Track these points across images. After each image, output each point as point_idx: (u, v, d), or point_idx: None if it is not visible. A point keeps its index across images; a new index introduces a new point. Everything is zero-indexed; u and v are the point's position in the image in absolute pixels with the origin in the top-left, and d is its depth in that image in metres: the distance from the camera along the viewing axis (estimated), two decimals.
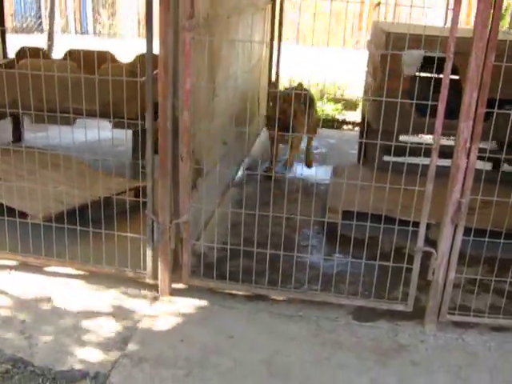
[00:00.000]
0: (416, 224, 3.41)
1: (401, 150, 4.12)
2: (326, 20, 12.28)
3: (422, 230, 3.24)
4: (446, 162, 3.41)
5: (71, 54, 5.82)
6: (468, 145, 3.03)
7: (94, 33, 12.87)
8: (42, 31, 12.45)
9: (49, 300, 3.47)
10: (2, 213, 3.82)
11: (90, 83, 4.48)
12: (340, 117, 7.75)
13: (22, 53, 5.69)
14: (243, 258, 3.64)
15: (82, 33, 12.69)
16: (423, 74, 4.90)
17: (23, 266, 3.75)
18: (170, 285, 3.49)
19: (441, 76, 3.67)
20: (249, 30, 4.95)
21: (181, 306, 3.45)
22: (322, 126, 6.87)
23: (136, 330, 3.23)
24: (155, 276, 3.51)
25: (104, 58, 5.70)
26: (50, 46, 8.44)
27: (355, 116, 7.85)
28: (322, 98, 7.97)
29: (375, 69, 5.25)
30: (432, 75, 3.76)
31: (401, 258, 3.37)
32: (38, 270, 3.74)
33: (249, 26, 4.90)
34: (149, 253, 3.45)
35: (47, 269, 3.75)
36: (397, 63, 4.90)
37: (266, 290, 3.45)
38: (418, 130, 4.96)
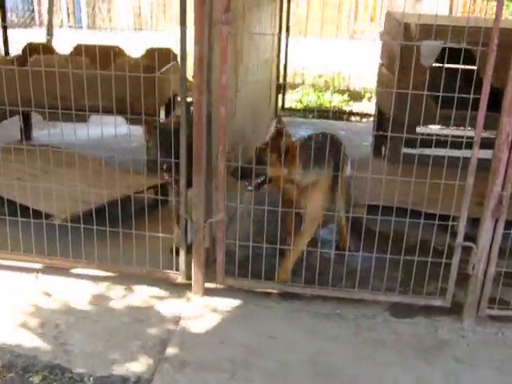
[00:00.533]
0: (441, 217, 3.40)
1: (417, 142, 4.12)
2: (319, 10, 12.20)
3: (462, 224, 3.20)
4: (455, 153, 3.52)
5: (79, 49, 5.69)
6: (510, 138, 2.98)
7: (88, 27, 12.68)
8: (34, 26, 12.25)
9: (79, 303, 3.38)
10: (27, 215, 3.71)
11: (105, 79, 4.35)
12: (346, 108, 7.68)
13: (30, 49, 5.55)
14: (271, 257, 3.58)
15: (76, 27, 12.49)
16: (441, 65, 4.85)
17: (50, 269, 3.66)
18: (203, 285, 3.42)
19: (457, 67, 3.69)
20: (265, 22, 4.87)
21: (216, 306, 3.39)
22: (330, 118, 6.82)
23: (174, 333, 3.16)
24: (188, 276, 3.44)
25: (113, 52, 5.58)
26: (49, 40, 8.28)
27: (361, 107, 7.79)
28: (328, 89, 7.93)
29: (391, 60, 5.20)
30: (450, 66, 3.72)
31: (427, 253, 3.33)
32: (65, 272, 3.65)
33: (265, 18, 4.81)
34: (182, 252, 3.38)
35: (75, 271, 3.67)
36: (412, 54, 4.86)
37: (302, 288, 3.39)
38: (437, 122, 4.95)
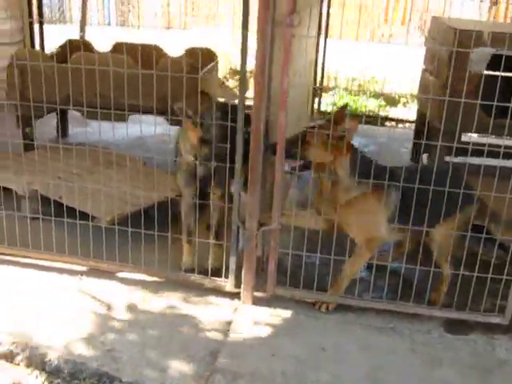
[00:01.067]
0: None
1: (462, 151, 3.99)
2: (351, 12, 12.02)
3: None
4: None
5: (118, 48, 5.62)
6: None
7: (117, 24, 12.67)
8: (64, 22, 12.26)
9: (126, 309, 3.30)
10: (73, 215, 3.64)
11: (148, 79, 4.25)
12: (381, 113, 7.55)
13: (69, 46, 5.50)
14: (324, 266, 3.48)
15: (104, 24, 12.48)
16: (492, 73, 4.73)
17: (95, 272, 3.59)
18: (252, 294, 3.33)
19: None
20: (312, 23, 4.77)
21: (266, 316, 3.29)
22: (366, 123, 6.68)
23: (224, 343, 3.07)
24: (237, 285, 3.35)
25: (152, 51, 5.52)
26: (82, 36, 8.24)
27: (397, 112, 7.66)
28: (362, 93, 7.79)
29: (439, 66, 5.07)
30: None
31: (474, 265, 3.22)
32: (110, 275, 3.58)
33: (312, 19, 4.71)
34: (232, 260, 3.29)
35: (120, 274, 3.59)
36: (466, 61, 4.74)
37: (356, 300, 3.29)
38: (484, 130, 4.82)
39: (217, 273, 3.45)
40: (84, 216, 3.70)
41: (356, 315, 3.35)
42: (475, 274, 3.20)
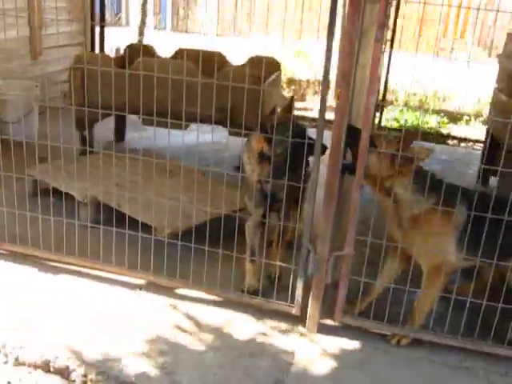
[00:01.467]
0: None
1: None
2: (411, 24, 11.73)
3: None
4: None
5: (181, 53, 5.54)
6: None
7: (172, 29, 12.69)
8: (119, 25, 12.33)
9: (184, 329, 3.16)
10: (133, 227, 3.53)
11: (208, 87, 4.12)
12: (443, 131, 7.28)
13: (132, 50, 5.45)
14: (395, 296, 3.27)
15: (159, 28, 12.52)
16: None
17: (153, 286, 3.47)
18: (318, 321, 3.16)
19: None
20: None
21: (331, 346, 3.11)
22: (427, 140, 6.43)
23: (288, 373, 2.90)
24: (303, 310, 3.18)
25: (216, 59, 5.41)
26: (141, 40, 8.24)
27: (459, 130, 7.38)
28: (423, 109, 7.54)
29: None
30: None
31: None
32: (168, 291, 3.45)
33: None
34: (299, 285, 3.12)
35: (179, 291, 3.47)
36: None
37: (430, 335, 3.07)
38: None
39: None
40: (143, 227, 3.58)
41: (428, 351, 3.14)
42: None
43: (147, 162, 3.74)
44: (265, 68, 4.97)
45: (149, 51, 5.55)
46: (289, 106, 3.61)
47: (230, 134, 4.73)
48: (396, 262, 3.18)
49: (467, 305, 3.01)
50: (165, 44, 6.74)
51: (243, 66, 5.49)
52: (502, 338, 3.14)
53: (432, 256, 3.00)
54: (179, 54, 5.59)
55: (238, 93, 4.01)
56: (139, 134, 6.07)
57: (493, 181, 5.30)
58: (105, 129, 5.71)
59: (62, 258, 3.56)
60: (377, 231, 3.05)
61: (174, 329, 3.15)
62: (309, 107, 8.53)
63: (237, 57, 5.79)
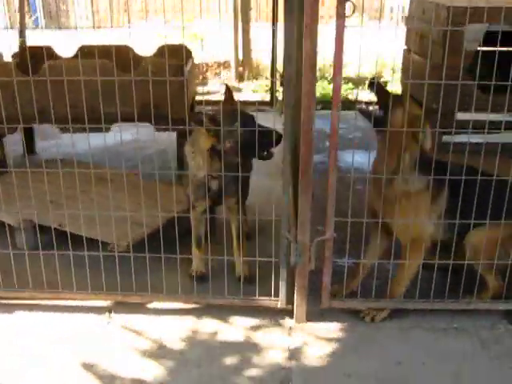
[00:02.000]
0: None
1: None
2: None
3: None
4: None
5: (84, 50, 5.14)
6: None
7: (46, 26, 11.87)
8: None
9: (173, 344, 2.95)
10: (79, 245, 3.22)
11: (128, 83, 3.85)
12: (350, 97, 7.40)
13: (30, 52, 4.96)
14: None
15: (32, 27, 11.64)
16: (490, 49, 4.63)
17: (121, 306, 3.20)
18: (305, 311, 3.06)
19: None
20: None
21: (323, 333, 3.04)
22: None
23: (291, 370, 2.79)
24: (288, 301, 3.07)
25: (124, 52, 5.08)
26: (24, 42, 7.59)
27: (363, 95, 7.52)
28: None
29: (426, 45, 4.93)
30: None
31: None
32: (140, 308, 3.20)
33: None
34: (283, 276, 3.01)
35: (150, 306, 3.23)
36: (460, 39, 4.62)
37: (418, 303, 3.08)
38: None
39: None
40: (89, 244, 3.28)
41: (415, 319, 3.15)
42: None
43: (76, 172, 3.38)
44: (178, 56, 4.76)
45: (49, 52, 5.11)
46: (230, 95, 3.43)
47: (158, 130, 4.50)
48: (379, 239, 3.13)
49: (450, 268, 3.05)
50: (45, 43, 6.17)
51: (156, 56, 5.21)
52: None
53: (412, 231, 2.96)
54: (83, 51, 5.18)
55: (161, 86, 3.76)
56: (49, 143, 5.62)
57: None
58: (10, 142, 5.20)
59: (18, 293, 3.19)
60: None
61: (161, 347, 2.93)
62: (211, 90, 8.34)
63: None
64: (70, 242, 3.28)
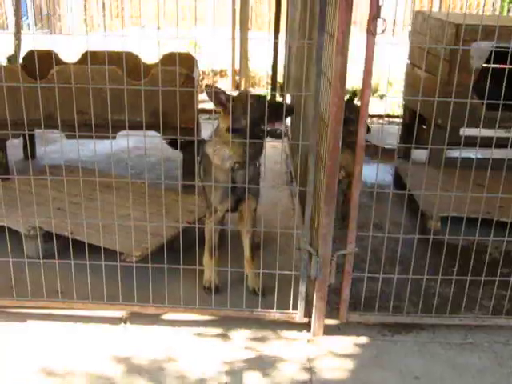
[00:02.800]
0: None
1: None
2: None
3: None
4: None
5: (90, 56, 5.09)
6: None
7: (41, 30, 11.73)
8: None
9: (188, 359, 2.92)
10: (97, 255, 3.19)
11: (138, 91, 3.81)
12: None
13: (33, 57, 4.91)
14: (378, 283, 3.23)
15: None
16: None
17: (137, 317, 3.17)
18: (323, 324, 3.06)
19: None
20: None
21: (343, 346, 3.04)
22: None
23: (310, 382, 2.78)
24: (306, 315, 3.06)
25: (130, 59, 5.04)
26: (18, 45, 7.53)
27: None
28: None
29: (431, 61, 4.99)
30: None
31: None
32: (154, 320, 3.17)
33: None
34: (302, 289, 3.00)
35: (166, 317, 3.19)
36: (466, 56, 4.69)
37: (437, 318, 3.10)
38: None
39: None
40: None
41: (430, 333, 3.17)
42: None
43: (81, 180, 3.32)
44: (183, 65, 4.75)
45: (55, 58, 5.05)
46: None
47: (165, 139, 4.48)
48: None
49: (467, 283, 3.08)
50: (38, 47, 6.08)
51: (162, 64, 5.19)
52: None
53: None
54: (86, 57, 5.13)
55: (170, 94, 3.75)
56: (49, 148, 5.54)
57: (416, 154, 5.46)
58: (9, 147, 5.12)
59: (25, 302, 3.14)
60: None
61: (177, 361, 2.90)
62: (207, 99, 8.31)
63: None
64: (84, 250, 3.20)
